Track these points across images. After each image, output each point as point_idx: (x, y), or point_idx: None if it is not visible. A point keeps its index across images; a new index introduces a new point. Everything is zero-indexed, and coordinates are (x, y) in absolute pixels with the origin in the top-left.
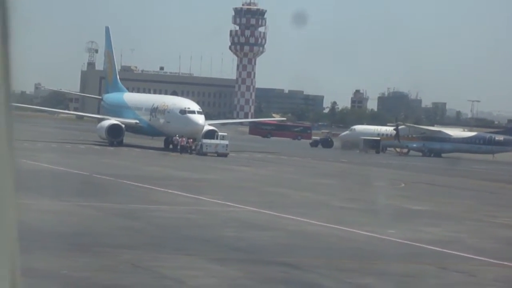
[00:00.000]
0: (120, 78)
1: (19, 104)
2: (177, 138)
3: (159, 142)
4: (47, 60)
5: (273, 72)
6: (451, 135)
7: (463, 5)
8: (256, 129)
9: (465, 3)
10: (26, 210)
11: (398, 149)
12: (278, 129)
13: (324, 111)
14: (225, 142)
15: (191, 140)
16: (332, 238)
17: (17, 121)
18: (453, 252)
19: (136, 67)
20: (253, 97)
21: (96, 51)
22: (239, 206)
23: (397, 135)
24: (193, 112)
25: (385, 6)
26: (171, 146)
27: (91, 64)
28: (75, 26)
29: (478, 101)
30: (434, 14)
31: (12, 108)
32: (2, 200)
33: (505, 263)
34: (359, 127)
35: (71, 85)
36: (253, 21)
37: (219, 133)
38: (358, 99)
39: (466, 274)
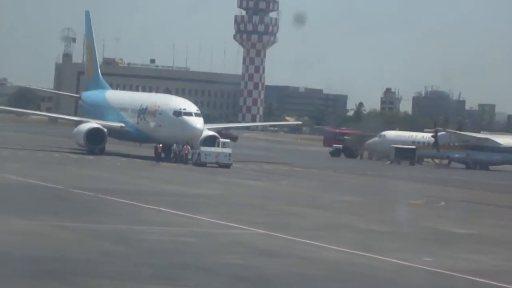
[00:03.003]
0: (102, 73)
1: None
2: (175, 148)
3: (149, 150)
4: (15, 51)
5: (286, 66)
6: (501, 144)
7: None
8: (332, 141)
9: None
10: None
11: (437, 160)
12: None
13: (348, 113)
14: (228, 150)
15: (187, 146)
16: (357, 267)
17: None
18: (503, 285)
19: (121, 59)
20: (262, 96)
21: (74, 40)
22: (245, 227)
23: (436, 143)
24: (190, 114)
25: None
26: (162, 155)
27: (67, 56)
28: (48, 10)
29: None
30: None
31: None
32: None
33: None
34: (390, 134)
35: (44, 81)
36: (262, 5)
37: (221, 140)
38: (389, 99)
39: None
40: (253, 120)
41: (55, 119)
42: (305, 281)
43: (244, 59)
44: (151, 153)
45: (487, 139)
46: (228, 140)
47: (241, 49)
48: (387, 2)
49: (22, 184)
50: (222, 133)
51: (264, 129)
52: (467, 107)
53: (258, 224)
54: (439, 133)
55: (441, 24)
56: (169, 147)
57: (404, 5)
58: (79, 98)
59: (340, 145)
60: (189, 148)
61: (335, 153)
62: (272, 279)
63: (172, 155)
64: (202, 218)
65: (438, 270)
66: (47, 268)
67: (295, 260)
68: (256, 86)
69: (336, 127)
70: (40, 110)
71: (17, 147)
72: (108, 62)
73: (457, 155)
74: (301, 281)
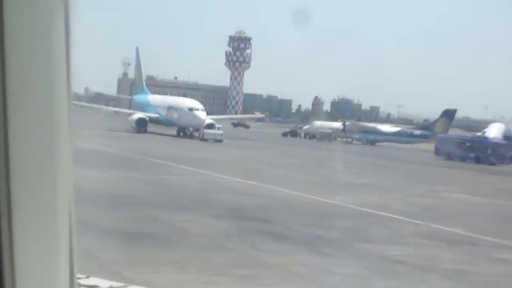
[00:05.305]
0: (145, 84)
1: (74, 102)
2: (191, 130)
3: (173, 131)
4: (94, 70)
5: (255, 82)
6: (382, 130)
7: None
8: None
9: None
10: (81, 177)
11: (344, 139)
12: None
13: (292, 111)
14: (220, 132)
15: (202, 129)
16: (296, 202)
17: (75, 115)
18: (383, 213)
19: (157, 76)
20: (241, 99)
21: (129, 64)
22: (229, 177)
23: (344, 129)
24: (197, 109)
25: (333, 33)
26: (181, 134)
27: (125, 74)
28: (114, 47)
29: (402, 106)
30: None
31: (72, 104)
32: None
33: (418, 221)
34: (317, 123)
35: (110, 89)
36: (242, 45)
37: (216, 125)
38: (317, 103)
39: (389, 229)
40: (236, 113)
41: (118, 112)
42: (266, 209)
43: (231, 77)
44: (174, 132)
45: (374, 127)
46: (220, 125)
47: (229, 71)
48: (315, 41)
49: (96, 150)
50: (240, 123)
51: (243, 119)
52: (363, 108)
53: (237, 175)
54: (346, 123)
55: (348, 57)
56: (185, 129)
57: (317, 47)
58: (132, 99)
59: (288, 130)
60: (202, 129)
61: (284, 134)
62: (247, 207)
63: (188, 134)
64: (203, 171)
65: (344, 204)
66: (121, 203)
67: (260, 197)
68: (237, 93)
69: (286, 118)
70: (108, 106)
71: (96, 128)
72: (149, 78)
73: (356, 136)
74: (265, 209)
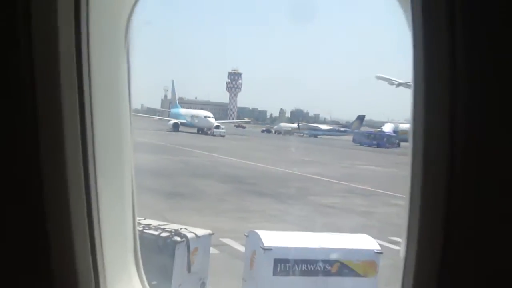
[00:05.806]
0: (178, 102)
1: (134, 113)
2: (205, 130)
3: (194, 130)
4: (146, 93)
5: (244, 99)
6: (321, 128)
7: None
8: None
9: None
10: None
11: (299, 134)
12: None
13: (267, 117)
14: (224, 130)
15: (212, 129)
16: (272, 173)
17: (134, 121)
18: (325, 178)
19: (184, 97)
20: (236, 111)
21: (167, 90)
22: (230, 158)
23: (298, 128)
24: (209, 117)
25: (289, 66)
26: (199, 132)
27: (165, 96)
28: (159, 77)
29: (332, 113)
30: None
31: (132, 115)
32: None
33: (343, 182)
34: (282, 124)
35: (157, 105)
36: (236, 78)
37: (221, 126)
38: (281, 112)
39: (325, 187)
40: (233, 119)
41: (161, 119)
42: (253, 177)
43: (229, 97)
44: (195, 131)
45: (316, 126)
46: (224, 126)
47: (228, 93)
48: (281, 72)
49: (147, 142)
50: (239, 125)
51: (239, 123)
52: (310, 114)
53: (235, 157)
54: (300, 124)
55: (300, 82)
56: (202, 129)
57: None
58: (170, 111)
59: (265, 128)
60: (212, 129)
61: (262, 131)
62: (240, 176)
63: (204, 132)
64: (214, 155)
65: (299, 173)
66: (163, 174)
67: (249, 170)
68: (234, 107)
69: (263, 122)
70: (154, 115)
71: (147, 129)
72: (180, 98)
73: (306, 132)
74: (251, 177)
